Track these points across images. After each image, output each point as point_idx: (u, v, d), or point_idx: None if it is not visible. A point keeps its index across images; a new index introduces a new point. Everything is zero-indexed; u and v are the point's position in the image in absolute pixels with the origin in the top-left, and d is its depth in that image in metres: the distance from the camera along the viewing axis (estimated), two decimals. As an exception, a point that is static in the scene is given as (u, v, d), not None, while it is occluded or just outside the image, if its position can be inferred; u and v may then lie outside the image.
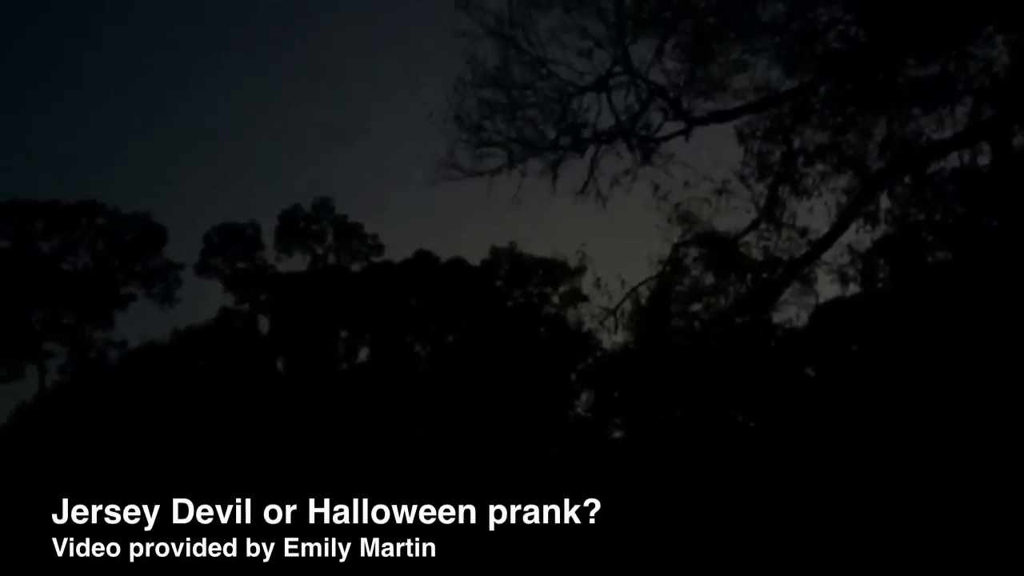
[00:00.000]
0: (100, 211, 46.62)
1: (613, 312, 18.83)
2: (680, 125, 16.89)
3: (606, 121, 16.89)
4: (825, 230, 17.00)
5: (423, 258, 45.36)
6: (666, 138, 16.84)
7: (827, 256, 17.91)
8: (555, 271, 43.65)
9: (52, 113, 75.63)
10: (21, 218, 44.58)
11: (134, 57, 79.84)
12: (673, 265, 18.42)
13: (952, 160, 15.98)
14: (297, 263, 48.04)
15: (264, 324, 47.01)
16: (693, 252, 18.02)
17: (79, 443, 38.03)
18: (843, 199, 16.53)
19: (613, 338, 24.92)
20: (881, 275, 28.17)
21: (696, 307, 19.37)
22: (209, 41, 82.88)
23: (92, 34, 79.70)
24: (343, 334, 46.22)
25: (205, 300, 48.96)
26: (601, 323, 18.72)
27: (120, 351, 44.91)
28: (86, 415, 39.61)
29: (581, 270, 40.79)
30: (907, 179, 16.56)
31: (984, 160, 15.85)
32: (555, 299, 44.56)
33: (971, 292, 18.52)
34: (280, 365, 45.97)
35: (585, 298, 41.60)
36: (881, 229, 18.38)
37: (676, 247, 17.99)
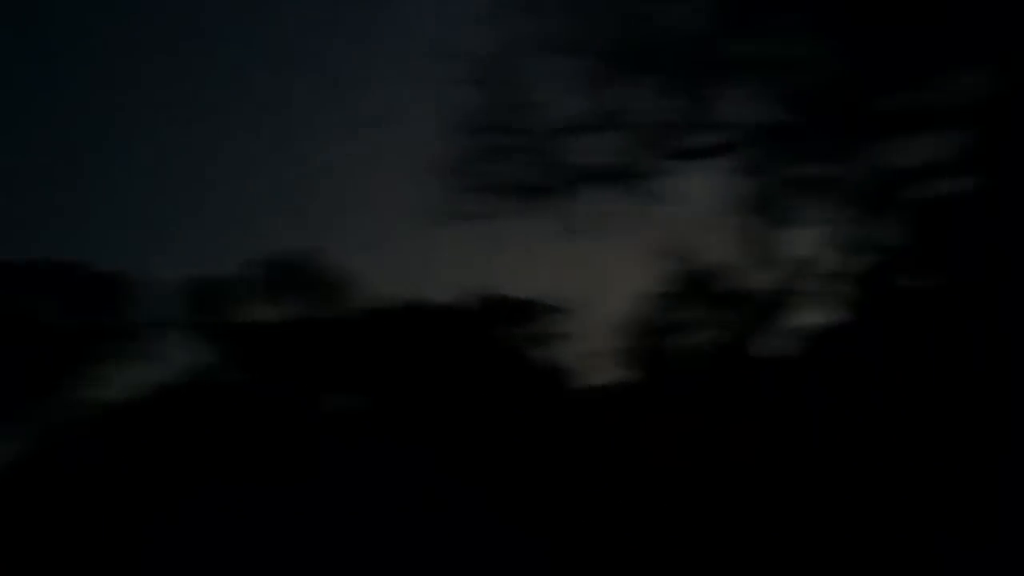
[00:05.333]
0: (71, 269, 46.16)
1: (599, 351, 18.96)
2: (667, 162, 17.11)
3: (595, 161, 17.09)
4: (811, 260, 17.24)
5: (407, 305, 45.23)
6: (654, 175, 17.06)
7: (813, 285, 18.18)
8: (536, 312, 43.65)
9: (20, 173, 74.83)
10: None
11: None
12: (662, 300, 18.60)
13: (936, 187, 16.26)
14: (279, 314, 47.65)
15: (246, 377, 46.52)
16: (682, 287, 18.19)
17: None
18: (828, 229, 16.78)
19: (600, 376, 25.01)
20: (861, 302, 28.53)
21: (686, 341, 19.52)
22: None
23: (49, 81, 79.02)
24: (332, 386, 45.79)
25: (182, 355, 48.34)
26: (588, 362, 18.81)
27: (96, 410, 44.20)
28: (58, 478, 38.79)
29: (561, 310, 40.84)
30: (891, 208, 16.85)
31: (965, 187, 16.14)
32: (535, 340, 44.50)
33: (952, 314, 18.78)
34: (263, 419, 45.44)
35: (565, 337, 41.71)
36: (864, 257, 18.70)
37: (665, 282, 18.18)
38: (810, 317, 19.73)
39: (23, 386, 44.64)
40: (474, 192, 17.79)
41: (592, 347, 18.87)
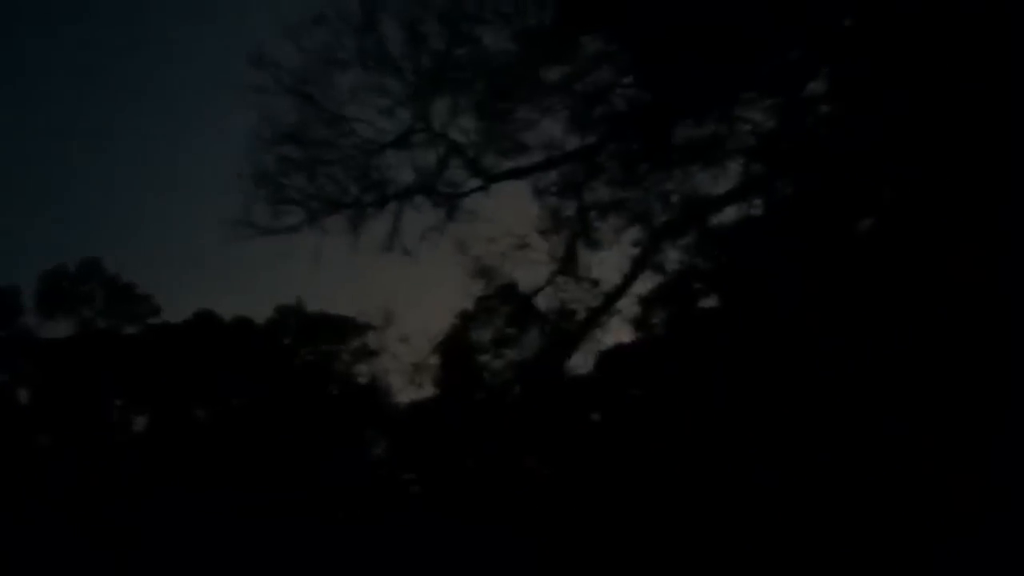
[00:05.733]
0: None
1: (416, 366, 19.00)
2: (478, 182, 17.40)
3: (408, 178, 17.15)
4: (617, 281, 17.96)
5: (204, 318, 43.46)
6: (467, 194, 17.30)
7: (617, 304, 18.93)
8: (345, 328, 43.08)
9: None
10: None
11: None
12: (475, 318, 18.84)
13: (729, 213, 17.35)
14: (63, 328, 44.68)
15: (25, 395, 43.30)
16: (495, 305, 18.49)
17: None
18: (633, 251, 17.55)
19: (414, 392, 24.93)
20: (657, 321, 29.95)
21: (497, 359, 19.86)
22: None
23: None
24: (117, 402, 43.31)
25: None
26: (407, 378, 18.83)
27: None
28: None
29: (371, 327, 40.56)
30: (690, 231, 17.81)
31: (756, 212, 17.31)
32: (345, 356, 43.92)
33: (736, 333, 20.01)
34: (44, 440, 42.39)
35: (375, 354, 41.40)
36: (662, 278, 19.68)
37: (478, 300, 18.42)
38: (614, 336, 20.55)
39: None
40: (286, 205, 17.45)
41: (405, 363, 18.82)
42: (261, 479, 36.95)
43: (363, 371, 43.06)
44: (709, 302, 22.84)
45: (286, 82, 16.70)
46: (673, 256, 18.26)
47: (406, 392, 35.64)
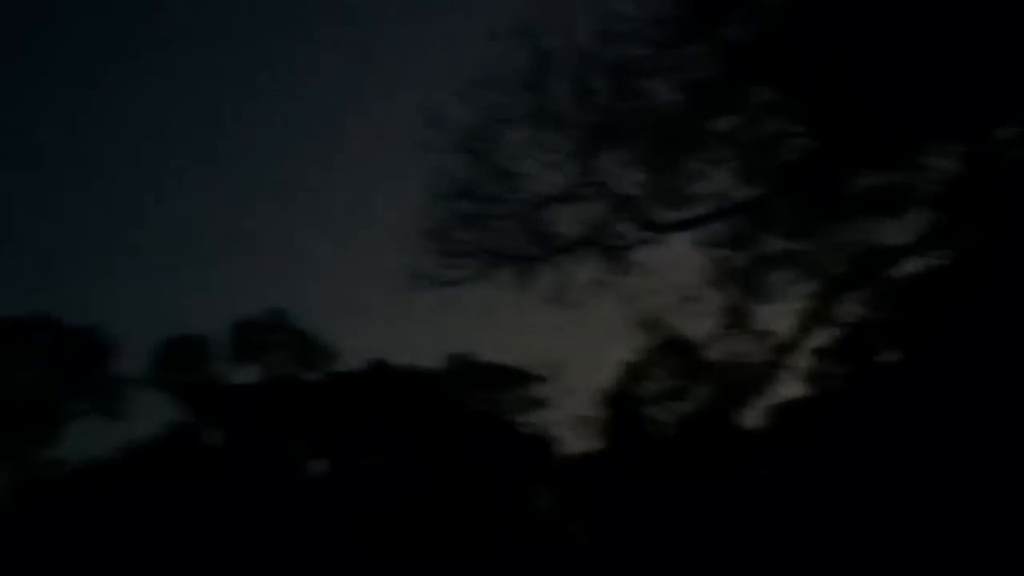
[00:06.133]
0: (44, 326, 45.75)
1: (583, 418, 18.98)
2: (646, 234, 17.36)
3: (575, 231, 17.32)
4: (790, 334, 17.46)
5: (378, 367, 45.07)
6: (634, 246, 17.29)
7: (790, 358, 18.38)
8: (514, 379, 43.64)
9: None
10: (-37, 336, 43.57)
11: (77, 165, 79.07)
12: (641, 371, 18.70)
13: (910, 265, 16.61)
14: (250, 374, 47.38)
15: (215, 436, 45.96)
16: (662, 358, 18.31)
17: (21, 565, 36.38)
18: (807, 303, 17.04)
19: (580, 443, 24.91)
20: (833, 375, 28.80)
21: (664, 411, 19.60)
22: (158, 145, 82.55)
23: (33, 139, 78.99)
24: (298, 446, 45.35)
25: (155, 413, 47.68)
26: (573, 429, 18.83)
27: (64, 469, 43.45)
28: (30, 536, 37.99)
29: (539, 377, 40.94)
30: (867, 284, 17.17)
31: (940, 263, 16.50)
32: (513, 406, 44.42)
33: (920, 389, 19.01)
34: (231, 479, 44.79)
35: (543, 404, 41.68)
36: (837, 331, 19.00)
37: (645, 353, 18.29)
38: (787, 390, 19.91)
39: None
40: (454, 258, 17.93)
41: (571, 414, 18.85)
42: (432, 528, 37.61)
43: (531, 421, 43.44)
44: (889, 356, 21.82)
45: (458, 139, 17.24)
46: (850, 308, 17.63)
47: (572, 443, 35.60)
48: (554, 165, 17.14)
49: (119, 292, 69.18)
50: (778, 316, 17.47)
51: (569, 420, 18.95)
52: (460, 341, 48.26)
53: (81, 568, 35.82)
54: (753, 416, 20.55)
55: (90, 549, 36.87)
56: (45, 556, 36.49)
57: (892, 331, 19.93)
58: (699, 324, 17.89)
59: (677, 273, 17.36)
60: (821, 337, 18.58)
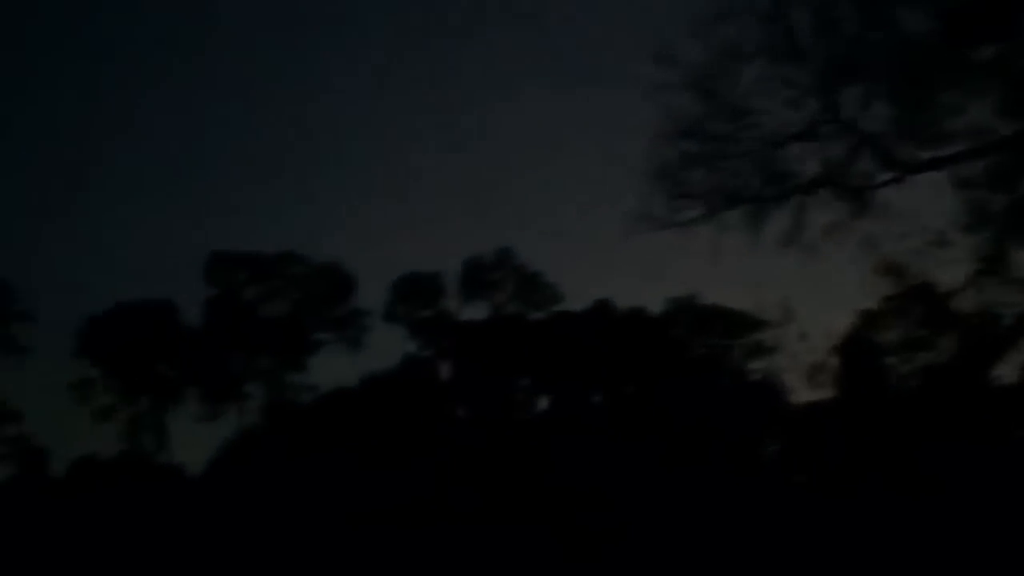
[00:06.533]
0: (296, 261, 49.28)
1: (815, 365, 18.22)
2: (892, 173, 16.23)
3: (814, 170, 16.45)
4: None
5: (602, 308, 45.36)
6: (879, 186, 16.21)
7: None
8: (740, 323, 42.67)
9: (254, 167, 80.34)
10: (227, 268, 47.70)
11: (328, 111, 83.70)
12: (881, 319, 17.66)
13: None
14: (479, 311, 49.08)
15: (446, 371, 48.10)
16: (905, 306, 17.19)
17: (275, 482, 39.79)
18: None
19: (811, 392, 23.96)
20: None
21: (906, 362, 18.48)
22: (388, 87, 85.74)
23: (290, 93, 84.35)
24: (523, 382, 46.64)
25: (391, 346, 50.59)
26: (804, 377, 18.13)
27: (312, 395, 46.98)
28: (281, 456, 41.46)
29: (765, 322, 39.70)
30: None
31: None
32: (739, 351, 43.51)
33: None
34: (461, 412, 46.81)
35: (771, 350, 40.49)
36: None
37: (886, 300, 17.23)
38: None
39: (248, 369, 48.05)
40: (685, 200, 17.51)
41: (803, 362, 18.12)
42: (647, 467, 37.69)
43: (757, 367, 42.37)
44: None
45: (689, 78, 16.71)
46: None
47: (803, 391, 34.38)
48: (792, 102, 16.30)
49: (360, 231, 73.51)
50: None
51: (799, 368, 18.19)
52: (685, 284, 47.77)
53: (321, 485, 38.69)
54: (1008, 372, 18.92)
55: (328, 471, 39.74)
56: (288, 476, 39.73)
57: None
58: (948, 271, 16.60)
59: (925, 216, 16.16)
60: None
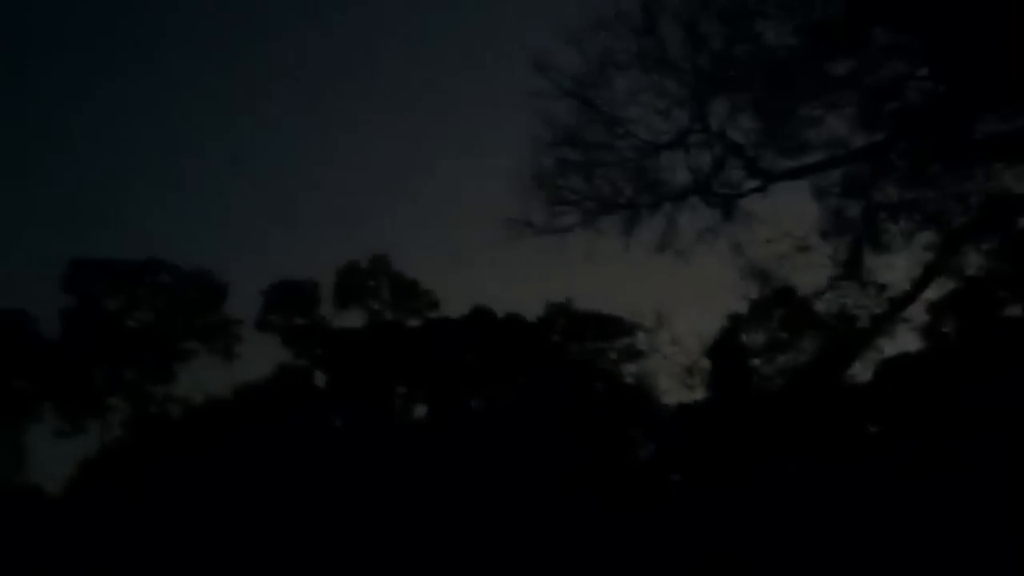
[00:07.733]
0: (162, 269, 47.55)
1: (687, 368, 18.81)
2: (757, 182, 16.93)
3: (684, 179, 17.01)
4: (906, 287, 16.85)
5: (479, 314, 45.50)
6: (745, 194, 16.89)
7: (903, 311, 17.75)
8: (614, 327, 43.53)
9: (114, 173, 77.21)
10: (87, 276, 45.61)
11: (188, 114, 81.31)
12: (748, 322, 18.37)
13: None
14: (354, 319, 48.45)
15: (321, 379, 47.31)
16: (770, 309, 17.94)
17: (141, 497, 38.32)
18: (925, 255, 16.40)
19: (682, 394, 24.68)
20: (949, 330, 27.74)
21: (770, 364, 19.26)
22: (266, 94, 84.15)
23: (147, 89, 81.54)
24: (400, 390, 46.33)
25: (264, 356, 49.38)
26: (676, 379, 18.69)
27: (181, 406, 45.41)
28: (147, 470, 39.94)
29: (640, 327, 40.62)
30: (989, 235, 16.41)
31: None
32: (611, 355, 44.38)
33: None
34: (337, 421, 46.12)
35: (644, 354, 41.46)
36: (956, 284, 18.26)
37: (752, 303, 17.93)
38: (899, 344, 19.29)
39: (111, 382, 46.08)
40: (562, 206, 17.82)
41: (674, 364, 18.68)
42: (524, 472, 38.03)
43: (630, 370, 43.34)
44: (1013, 311, 20.96)
45: (566, 86, 17.05)
46: (973, 261, 16.89)
47: (674, 393, 35.38)
48: (664, 112, 16.82)
49: (230, 238, 71.55)
50: (893, 268, 16.89)
51: (671, 370, 18.76)
52: (561, 289, 48.40)
53: (192, 499, 37.50)
54: (863, 372, 19.98)
55: (201, 484, 38.53)
56: (158, 490, 38.33)
57: (1015, 285, 19.09)
58: (810, 275, 17.41)
59: (788, 222, 16.91)
60: (939, 290, 17.90)
